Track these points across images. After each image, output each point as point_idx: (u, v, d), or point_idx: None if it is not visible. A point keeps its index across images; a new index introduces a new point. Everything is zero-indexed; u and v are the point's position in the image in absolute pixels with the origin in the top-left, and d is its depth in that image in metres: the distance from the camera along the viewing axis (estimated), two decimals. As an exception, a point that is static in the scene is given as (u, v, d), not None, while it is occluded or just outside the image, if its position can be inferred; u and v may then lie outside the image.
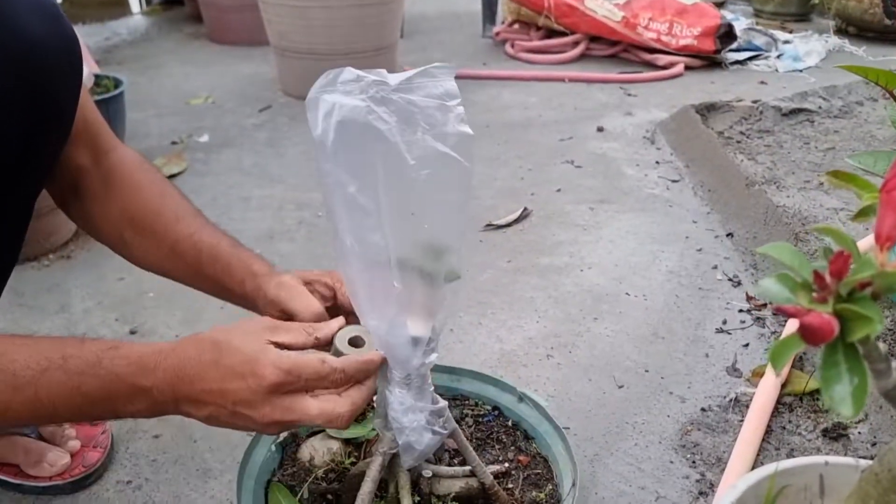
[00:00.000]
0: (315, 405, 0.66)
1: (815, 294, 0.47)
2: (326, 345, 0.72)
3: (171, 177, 1.94)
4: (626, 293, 1.41)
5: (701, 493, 0.97)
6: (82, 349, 0.66)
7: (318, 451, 0.91)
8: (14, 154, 0.72)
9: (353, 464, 0.88)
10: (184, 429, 1.08)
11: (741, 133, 2.09)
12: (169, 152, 2.07)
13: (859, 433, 1.04)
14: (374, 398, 0.77)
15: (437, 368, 0.98)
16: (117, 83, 1.99)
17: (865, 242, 1.29)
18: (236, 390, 0.64)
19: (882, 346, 0.49)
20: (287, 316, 0.79)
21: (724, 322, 1.31)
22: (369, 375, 0.70)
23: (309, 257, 1.56)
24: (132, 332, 1.31)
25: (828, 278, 0.46)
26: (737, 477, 0.94)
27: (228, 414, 0.65)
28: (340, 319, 0.74)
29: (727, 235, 1.61)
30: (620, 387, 1.16)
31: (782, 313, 0.46)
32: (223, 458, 1.03)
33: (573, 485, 0.83)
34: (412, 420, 0.73)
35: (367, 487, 0.76)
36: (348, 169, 0.63)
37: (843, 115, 2.22)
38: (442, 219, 0.65)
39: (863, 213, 0.56)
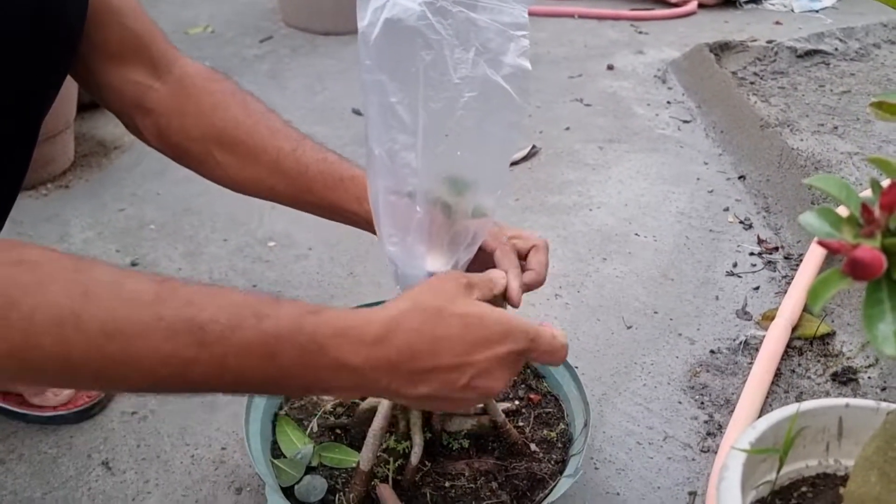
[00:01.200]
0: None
1: (861, 228, 0.44)
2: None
3: (171, 107, 1.90)
4: (636, 234, 1.39)
5: (709, 434, 0.96)
6: (279, 309, 0.54)
7: None
8: (24, 39, 0.66)
9: (362, 399, 0.87)
10: (188, 361, 1.07)
11: (755, 74, 2.04)
12: (168, 82, 2.01)
13: (869, 378, 1.04)
14: None
15: None
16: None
17: None
18: (481, 361, 0.57)
19: (925, 285, 0.47)
20: None
21: (735, 265, 1.29)
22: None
23: (313, 192, 1.53)
24: (133, 264, 1.28)
25: (877, 211, 0.44)
26: (746, 419, 0.93)
27: (457, 389, 0.58)
28: (509, 272, 0.69)
29: (739, 178, 1.58)
30: (629, 327, 1.15)
31: (826, 248, 0.44)
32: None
33: (585, 424, 0.82)
34: None
35: (379, 423, 0.75)
36: (391, 74, 0.58)
37: (860, 58, 2.16)
38: (480, 151, 0.61)
39: (909, 147, 0.53)
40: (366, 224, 0.77)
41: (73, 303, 0.49)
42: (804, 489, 0.69)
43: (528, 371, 0.94)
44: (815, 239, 0.46)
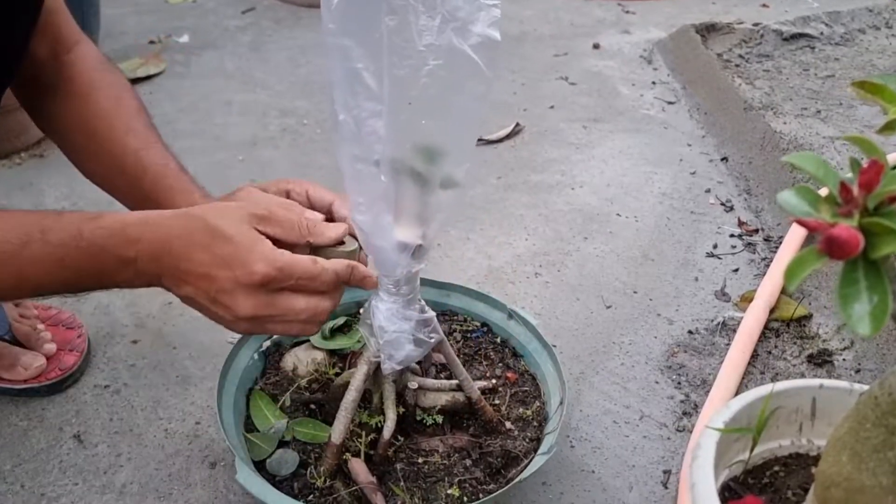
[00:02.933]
0: (302, 300, 0.65)
1: (839, 207, 0.44)
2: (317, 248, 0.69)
3: (149, 78, 1.86)
4: (617, 214, 1.38)
5: (685, 414, 0.96)
6: (61, 221, 0.63)
7: (301, 360, 0.89)
8: None
9: (337, 374, 0.87)
10: (163, 336, 1.06)
11: (740, 56, 2.03)
12: (146, 52, 1.98)
13: (844, 360, 1.04)
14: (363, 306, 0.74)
15: (427, 283, 0.96)
16: (92, -25, 1.88)
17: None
18: (223, 279, 0.63)
19: (901, 266, 0.47)
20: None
21: (715, 246, 1.30)
22: (356, 281, 0.68)
23: (293, 165, 1.51)
24: (109, 236, 1.26)
25: (855, 190, 0.43)
26: (721, 399, 0.94)
27: (208, 300, 0.64)
28: (342, 226, 0.71)
29: (722, 159, 1.57)
30: (608, 307, 1.15)
31: (803, 226, 0.43)
32: (203, 366, 1.01)
33: (561, 403, 0.82)
34: (398, 328, 0.71)
35: (351, 396, 0.74)
36: (356, 38, 0.57)
37: (845, 43, 2.16)
38: (446, 121, 0.60)
39: (889, 127, 0.52)
40: None
41: None
42: (776, 468, 0.69)
43: (506, 350, 0.94)
44: (792, 217, 0.45)
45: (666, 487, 0.86)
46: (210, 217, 0.64)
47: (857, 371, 1.02)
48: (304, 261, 0.64)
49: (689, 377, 1.02)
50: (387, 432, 0.76)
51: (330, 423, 0.77)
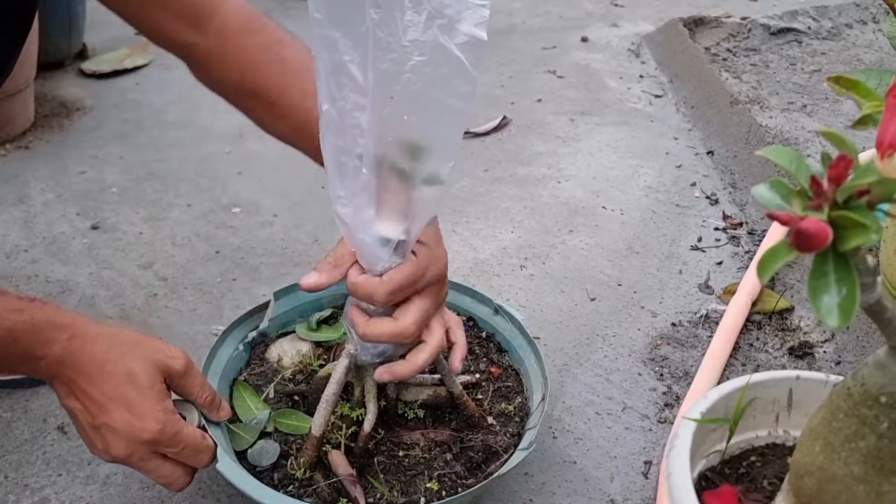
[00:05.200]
0: (169, 467, 0.69)
1: (810, 201, 0.44)
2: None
3: (135, 69, 1.85)
4: (603, 207, 1.39)
5: (667, 405, 0.97)
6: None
7: (287, 352, 0.90)
8: None
9: (321, 366, 0.87)
10: (148, 327, 1.06)
11: (728, 50, 2.04)
12: (132, 43, 1.97)
13: (825, 352, 1.05)
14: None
15: None
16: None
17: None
18: (116, 417, 0.65)
19: (871, 258, 0.47)
20: None
21: (699, 239, 1.30)
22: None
23: (279, 158, 1.51)
24: (94, 228, 1.26)
25: (825, 184, 0.44)
26: (703, 391, 0.94)
27: (90, 425, 0.67)
28: (226, 411, 0.78)
29: (707, 153, 1.58)
30: (593, 299, 1.16)
31: (775, 220, 0.44)
32: (188, 357, 1.01)
33: (542, 399, 0.82)
34: None
35: (332, 389, 0.75)
36: (343, 30, 0.58)
37: (832, 38, 2.17)
38: (430, 117, 0.60)
39: (862, 122, 0.53)
40: None
41: None
42: (753, 458, 0.70)
43: (491, 345, 0.94)
44: (766, 211, 0.46)
45: (647, 478, 0.87)
46: (131, 357, 0.67)
47: (838, 363, 1.03)
48: (194, 435, 0.69)
49: (671, 369, 1.03)
50: (367, 425, 0.76)
51: (312, 415, 0.78)
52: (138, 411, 0.66)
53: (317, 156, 0.82)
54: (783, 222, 0.44)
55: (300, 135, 0.82)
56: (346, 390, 0.78)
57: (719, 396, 0.66)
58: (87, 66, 1.81)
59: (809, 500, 0.58)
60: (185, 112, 1.67)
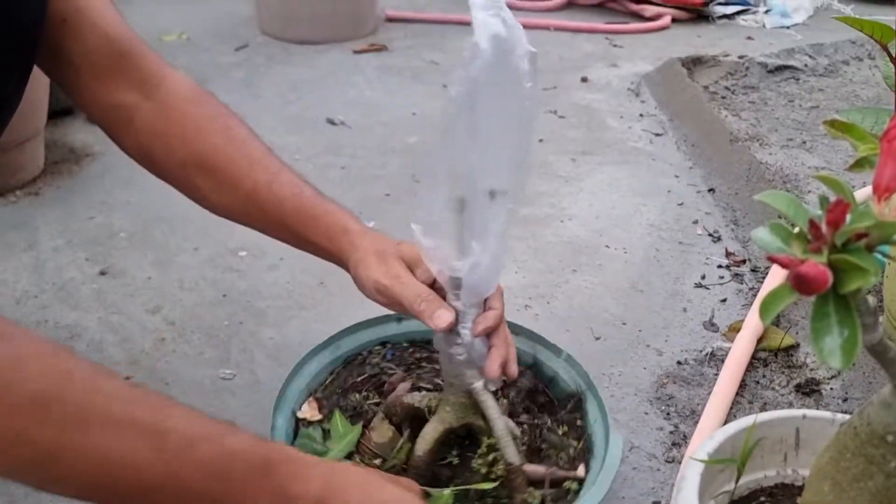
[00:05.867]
0: None
1: (809, 244, 0.45)
2: None
3: (144, 115, 1.88)
4: (606, 246, 1.40)
5: (674, 445, 0.97)
6: (237, 433, 0.57)
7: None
8: None
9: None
10: (156, 372, 1.06)
11: (726, 88, 2.07)
12: (142, 90, 2.01)
13: (831, 389, 1.05)
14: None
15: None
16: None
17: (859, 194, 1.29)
18: None
19: (872, 299, 0.48)
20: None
21: (703, 277, 1.31)
22: None
23: (285, 201, 1.53)
24: (102, 273, 1.27)
25: (824, 227, 0.45)
26: (710, 429, 0.94)
27: None
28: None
29: (709, 191, 1.60)
30: (598, 339, 1.16)
31: (776, 263, 0.45)
32: (195, 402, 1.01)
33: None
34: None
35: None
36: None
37: (829, 74, 2.21)
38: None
39: (858, 164, 0.54)
40: (336, 259, 0.82)
41: (53, 384, 0.50)
42: (762, 499, 0.70)
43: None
44: (766, 254, 0.47)
45: (656, 519, 0.87)
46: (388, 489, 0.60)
47: (845, 400, 1.03)
48: None
49: (678, 408, 1.03)
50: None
51: None
52: None
53: (265, 227, 0.84)
54: (784, 265, 0.45)
55: (248, 206, 0.81)
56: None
57: (726, 437, 0.66)
58: (96, 112, 1.84)
59: (820, 541, 0.58)
60: (192, 157, 1.70)
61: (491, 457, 0.76)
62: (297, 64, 2.25)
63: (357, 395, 0.87)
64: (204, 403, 1.01)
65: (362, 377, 0.90)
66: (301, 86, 2.09)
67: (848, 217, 0.45)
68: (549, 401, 0.89)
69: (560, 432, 0.84)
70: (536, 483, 0.76)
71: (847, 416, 0.68)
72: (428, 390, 0.86)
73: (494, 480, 0.75)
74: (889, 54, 0.89)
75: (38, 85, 1.45)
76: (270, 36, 2.45)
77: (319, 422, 0.83)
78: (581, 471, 0.79)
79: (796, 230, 0.47)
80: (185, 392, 1.03)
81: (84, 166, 1.62)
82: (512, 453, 0.74)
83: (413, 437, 0.79)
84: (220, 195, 0.82)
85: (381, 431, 0.80)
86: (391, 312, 0.88)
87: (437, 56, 2.28)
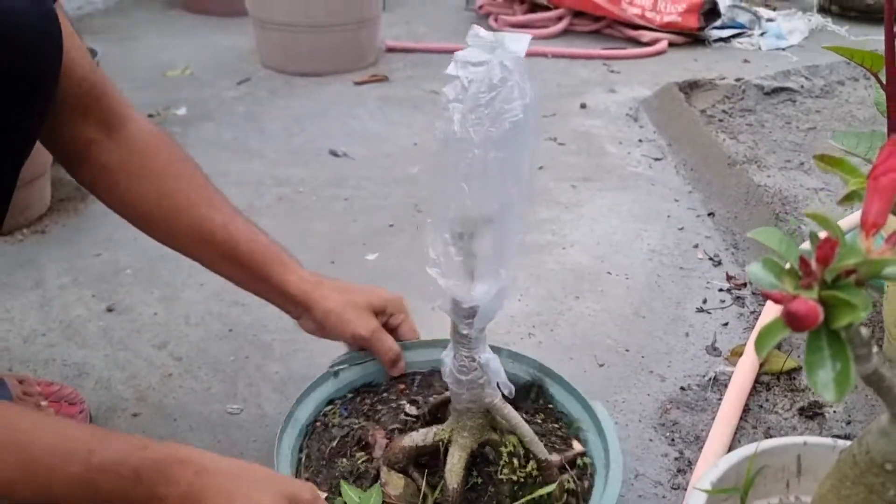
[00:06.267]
0: None
1: (801, 280, 0.47)
2: None
3: (149, 150, 1.91)
4: (608, 272, 1.41)
5: (679, 471, 0.98)
6: (109, 444, 0.64)
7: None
8: None
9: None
10: (163, 408, 1.07)
11: (723, 112, 2.09)
12: (146, 125, 2.03)
13: (835, 412, 1.06)
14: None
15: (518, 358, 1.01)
16: (92, 53, 1.95)
17: (847, 221, 1.30)
18: None
19: (865, 330, 0.49)
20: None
21: (705, 301, 1.32)
22: None
23: (288, 233, 1.54)
24: (109, 310, 1.29)
25: (813, 264, 0.46)
26: (714, 455, 0.95)
27: None
28: None
29: (708, 214, 1.61)
30: (601, 365, 1.17)
31: (768, 299, 0.46)
32: (202, 437, 1.02)
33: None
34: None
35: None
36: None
37: (825, 95, 2.23)
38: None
39: (848, 198, 0.56)
40: (284, 306, 0.91)
41: None
42: (767, 527, 0.70)
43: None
44: (760, 290, 0.48)
45: (663, 547, 0.87)
46: (259, 490, 0.65)
47: (848, 423, 1.03)
48: None
49: (682, 434, 1.04)
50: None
51: None
52: None
53: (218, 267, 0.90)
54: (776, 301, 0.46)
55: (205, 246, 0.87)
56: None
57: (729, 465, 0.67)
58: (101, 149, 1.87)
59: (823, 570, 0.58)
60: (197, 191, 1.72)
61: (515, 462, 0.79)
62: (299, 96, 2.28)
63: (344, 461, 0.87)
64: (212, 438, 1.02)
65: (335, 441, 0.89)
66: (303, 118, 2.12)
67: (837, 252, 0.46)
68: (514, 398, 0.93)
69: (539, 420, 0.91)
70: (560, 469, 0.83)
71: (848, 442, 0.69)
72: (400, 429, 0.88)
73: (525, 481, 0.80)
74: (879, 82, 0.91)
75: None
76: (272, 69, 2.49)
77: (330, 500, 0.82)
78: (577, 446, 0.88)
79: (788, 266, 0.48)
80: (192, 427, 1.04)
81: (90, 204, 1.64)
82: (542, 450, 0.80)
83: (424, 475, 0.80)
84: (174, 234, 0.88)
85: (394, 483, 0.80)
86: (326, 370, 0.95)
87: (437, 86, 2.30)
